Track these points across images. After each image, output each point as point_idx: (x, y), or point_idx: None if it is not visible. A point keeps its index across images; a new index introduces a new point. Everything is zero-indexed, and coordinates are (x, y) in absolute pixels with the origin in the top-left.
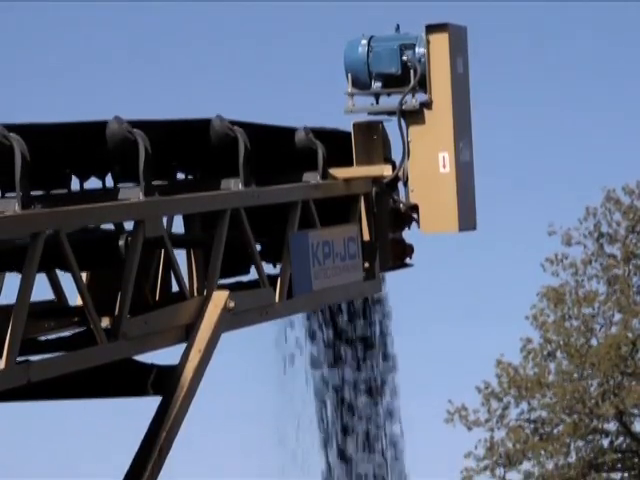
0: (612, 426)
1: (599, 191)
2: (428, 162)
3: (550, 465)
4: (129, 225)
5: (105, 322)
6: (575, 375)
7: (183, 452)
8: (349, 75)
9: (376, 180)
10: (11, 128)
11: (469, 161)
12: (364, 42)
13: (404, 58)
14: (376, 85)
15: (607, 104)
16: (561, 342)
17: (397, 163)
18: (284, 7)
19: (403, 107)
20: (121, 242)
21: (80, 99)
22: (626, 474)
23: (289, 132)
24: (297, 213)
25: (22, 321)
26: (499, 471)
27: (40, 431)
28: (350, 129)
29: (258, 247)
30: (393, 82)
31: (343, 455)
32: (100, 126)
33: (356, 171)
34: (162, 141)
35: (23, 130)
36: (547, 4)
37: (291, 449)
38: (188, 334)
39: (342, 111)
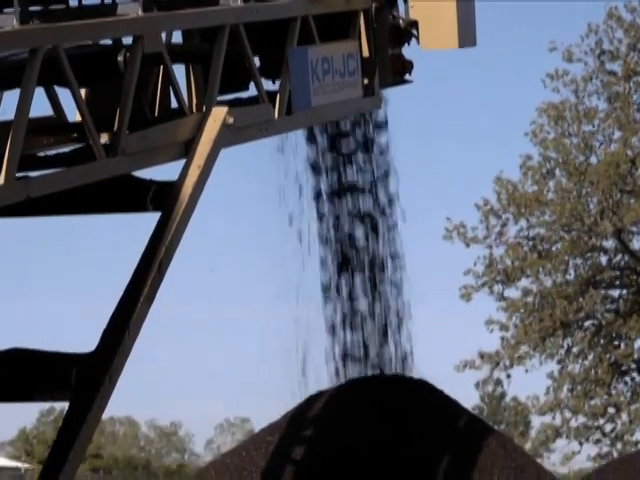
0: (610, 244)
1: (601, 8)
2: None
3: (548, 282)
4: (128, 41)
5: (104, 138)
6: (574, 193)
7: (181, 269)
8: None
9: None
10: None
11: None
12: None
13: None
14: None
15: None
16: (560, 160)
17: None
18: None
19: None
20: (120, 57)
21: None
22: (624, 291)
23: None
24: (296, 29)
25: (21, 137)
26: (497, 288)
27: (40, 246)
28: None
29: (257, 63)
30: None
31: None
32: None
33: None
34: None
35: None
36: None
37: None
38: (187, 150)
39: None
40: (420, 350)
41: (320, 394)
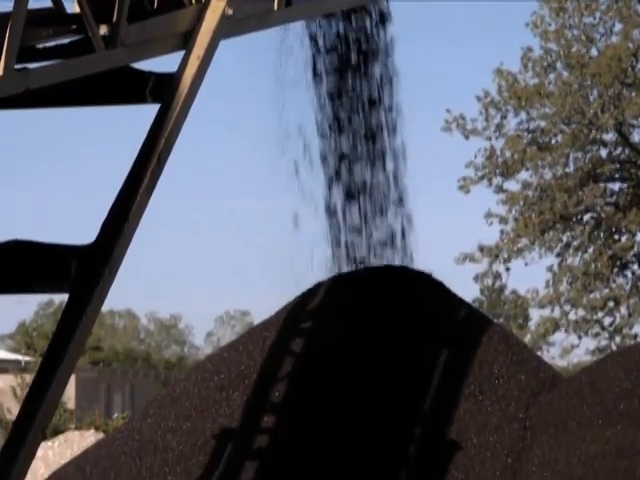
0: (611, 137)
1: None
2: None
3: (548, 175)
4: None
5: (103, 30)
6: (575, 86)
7: (180, 167)
8: None
9: None
10: None
11: None
12: None
13: None
14: None
15: None
16: (562, 53)
17: None
18: None
19: None
20: None
21: None
22: (624, 184)
23: None
24: None
25: (19, 28)
26: (497, 180)
27: (39, 138)
28: None
29: None
30: None
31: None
32: None
33: None
34: None
35: None
36: None
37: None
38: (186, 41)
39: None
40: (419, 242)
41: (317, 287)
